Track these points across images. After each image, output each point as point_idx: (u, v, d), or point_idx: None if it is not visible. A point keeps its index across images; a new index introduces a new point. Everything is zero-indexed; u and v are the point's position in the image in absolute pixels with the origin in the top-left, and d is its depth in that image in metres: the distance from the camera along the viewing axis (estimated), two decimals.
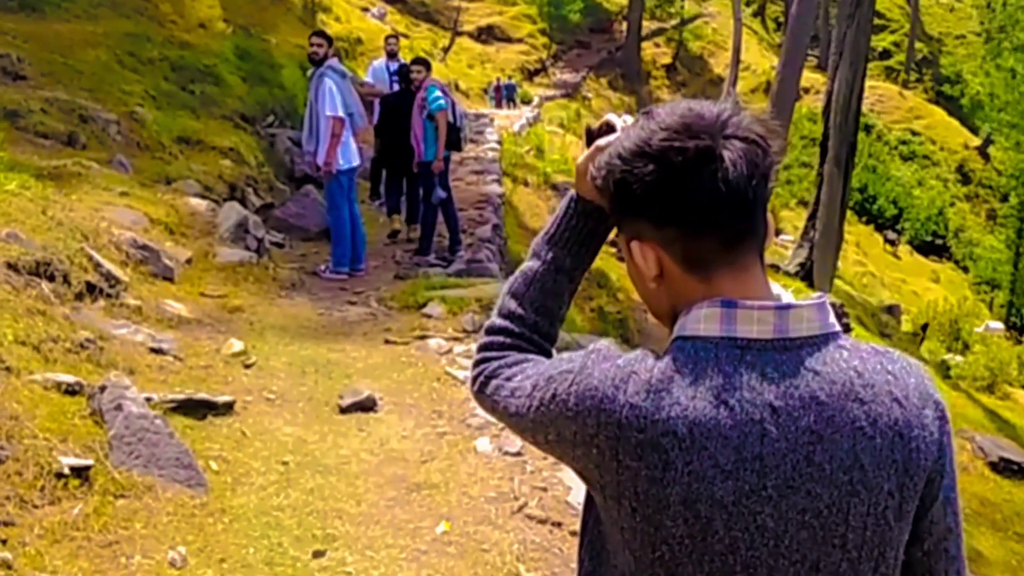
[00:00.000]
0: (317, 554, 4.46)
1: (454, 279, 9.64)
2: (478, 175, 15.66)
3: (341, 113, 9.39)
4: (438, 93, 10.50)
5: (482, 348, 1.67)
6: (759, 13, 57.44)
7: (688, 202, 1.32)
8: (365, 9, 31.99)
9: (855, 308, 20.77)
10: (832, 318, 1.37)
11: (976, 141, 43.28)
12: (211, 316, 7.57)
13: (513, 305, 1.67)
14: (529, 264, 1.69)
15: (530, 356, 1.59)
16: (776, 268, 19.27)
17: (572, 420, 1.35)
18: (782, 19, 52.05)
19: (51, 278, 6.40)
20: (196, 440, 5.38)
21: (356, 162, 9.76)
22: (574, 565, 1.62)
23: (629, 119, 1.52)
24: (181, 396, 5.66)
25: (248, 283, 8.58)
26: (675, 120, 1.33)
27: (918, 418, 1.35)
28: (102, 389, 4.96)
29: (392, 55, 13.53)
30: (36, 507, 4.27)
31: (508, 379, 1.55)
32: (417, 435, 5.94)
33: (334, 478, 5.26)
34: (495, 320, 1.69)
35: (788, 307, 1.34)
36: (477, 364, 1.66)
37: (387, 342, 7.61)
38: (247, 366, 6.69)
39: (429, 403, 6.46)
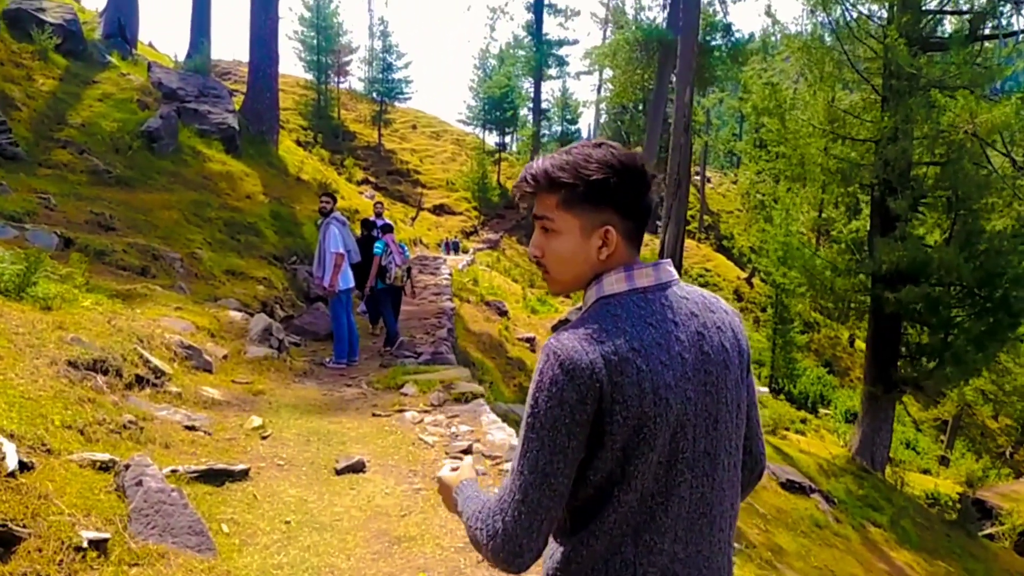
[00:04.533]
0: None
1: (423, 367, 8.49)
2: (437, 295, 14.72)
3: (341, 250, 8.35)
4: (379, 244, 9.67)
5: (487, 539, 1.28)
6: None
7: (643, 200, 1.35)
8: (361, 192, 31.20)
9: None
10: (675, 272, 1.39)
11: (744, 275, 43.75)
12: (239, 398, 6.23)
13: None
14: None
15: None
16: None
17: (573, 392, 1.19)
18: None
19: (105, 372, 5.06)
20: (213, 505, 4.06)
21: (351, 284, 8.64)
22: None
23: (466, 461, 1.57)
24: (203, 467, 4.34)
25: (270, 372, 7.27)
26: (625, 152, 1.34)
27: (737, 322, 1.43)
28: (127, 467, 3.64)
29: (379, 215, 12.58)
30: None
31: (501, 493, 1.28)
32: (397, 492, 4.67)
33: (328, 534, 3.97)
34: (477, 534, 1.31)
35: (658, 264, 1.36)
36: (502, 544, 1.25)
37: (374, 415, 6.35)
38: (264, 437, 5.38)
39: (407, 463, 5.20)
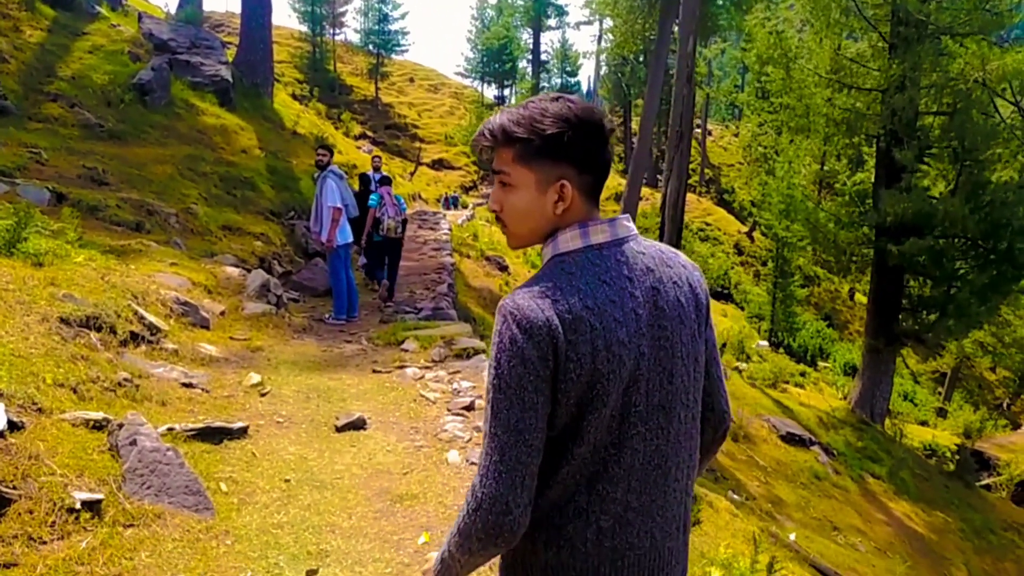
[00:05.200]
0: (310, 573, 3.10)
1: (424, 322, 8.38)
2: (437, 251, 14.54)
3: (339, 204, 8.15)
4: (374, 196, 9.65)
5: (473, 511, 1.25)
6: None
7: (601, 155, 1.34)
8: (359, 147, 30.78)
9: None
10: (634, 227, 1.39)
11: (744, 229, 43.47)
12: (237, 355, 6.12)
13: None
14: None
15: None
16: None
17: (533, 350, 1.21)
18: (623, 155, 52.30)
19: (99, 329, 4.95)
20: (211, 463, 3.98)
21: (350, 239, 8.47)
22: None
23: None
24: (200, 425, 4.25)
25: (269, 329, 7.15)
26: (583, 105, 1.33)
27: (696, 276, 1.42)
28: (120, 426, 3.54)
29: (376, 169, 12.36)
30: (44, 543, 2.85)
31: (480, 462, 1.25)
32: (399, 449, 4.60)
33: (329, 493, 3.89)
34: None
35: (614, 220, 1.36)
36: (490, 506, 1.22)
37: (374, 371, 6.26)
38: (262, 394, 5.29)
39: (408, 420, 5.12)
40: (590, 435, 1.25)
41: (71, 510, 3.01)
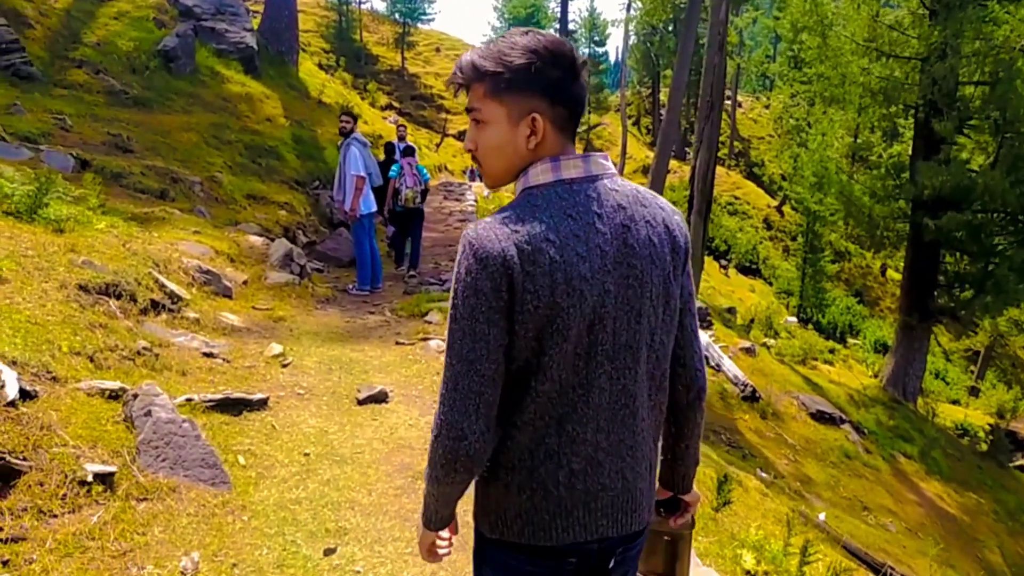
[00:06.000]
0: (328, 552, 2.98)
1: (448, 294, 8.22)
2: (462, 222, 14.36)
3: (363, 172, 7.98)
4: (395, 166, 9.42)
5: (435, 438, 1.26)
6: (636, 123, 56.30)
7: (572, 87, 1.31)
8: (385, 118, 30.56)
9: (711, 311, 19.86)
10: (611, 165, 1.36)
11: (774, 203, 42.79)
12: (259, 325, 6.01)
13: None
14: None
15: None
16: None
17: (487, 281, 1.21)
18: (651, 127, 51.50)
19: (118, 296, 4.84)
20: (230, 435, 3.87)
21: (374, 208, 8.32)
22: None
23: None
24: (220, 396, 4.14)
25: (291, 299, 7.03)
26: (552, 38, 1.31)
27: (674, 219, 1.38)
28: (135, 396, 3.42)
29: (401, 138, 12.16)
30: (55, 517, 2.75)
31: (440, 387, 1.26)
32: (421, 423, 4.46)
33: (349, 467, 3.77)
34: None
35: (588, 156, 1.33)
36: (447, 432, 1.24)
37: (397, 343, 6.13)
38: (284, 365, 5.17)
39: (431, 394, 4.98)
40: (553, 371, 1.26)
41: (83, 483, 2.91)
